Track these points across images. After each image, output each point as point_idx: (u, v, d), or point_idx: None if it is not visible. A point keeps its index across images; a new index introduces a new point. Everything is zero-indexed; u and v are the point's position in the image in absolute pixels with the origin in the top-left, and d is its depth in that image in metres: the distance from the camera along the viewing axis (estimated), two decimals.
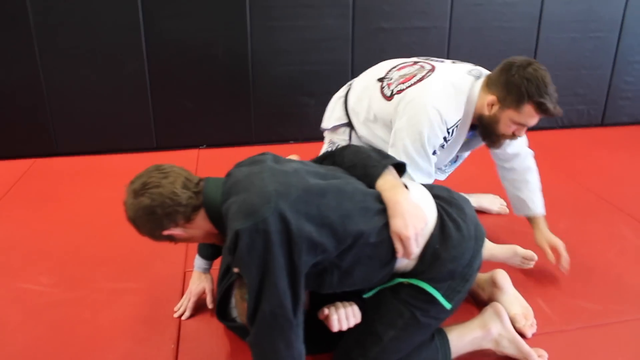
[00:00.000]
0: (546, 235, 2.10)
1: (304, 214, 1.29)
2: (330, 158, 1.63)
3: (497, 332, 1.65)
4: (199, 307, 1.89)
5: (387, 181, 1.47)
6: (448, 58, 3.55)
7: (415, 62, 2.07)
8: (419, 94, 1.90)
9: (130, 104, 3.32)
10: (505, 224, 2.51)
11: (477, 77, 1.93)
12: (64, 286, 2.05)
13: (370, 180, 1.48)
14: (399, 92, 1.94)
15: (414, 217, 1.40)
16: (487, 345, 1.66)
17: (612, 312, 1.88)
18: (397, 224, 1.39)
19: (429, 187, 1.60)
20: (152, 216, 1.37)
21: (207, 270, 1.89)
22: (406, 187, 1.51)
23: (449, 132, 1.89)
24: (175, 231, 1.40)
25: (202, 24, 3.20)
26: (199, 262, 1.89)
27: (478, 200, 2.60)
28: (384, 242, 1.40)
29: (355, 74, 3.46)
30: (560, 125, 3.97)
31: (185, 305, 1.89)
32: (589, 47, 3.80)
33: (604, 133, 3.94)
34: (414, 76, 1.97)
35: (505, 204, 2.63)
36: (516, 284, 1.93)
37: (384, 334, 1.48)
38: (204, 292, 1.88)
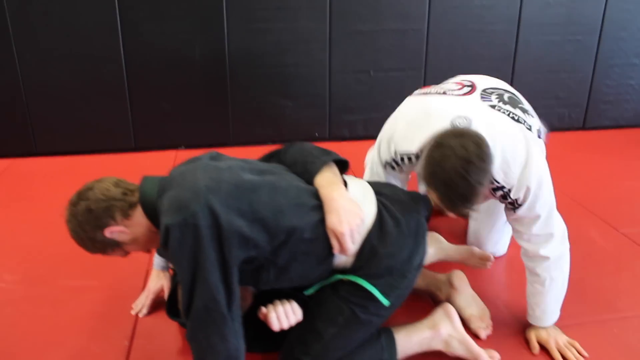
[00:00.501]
0: (536, 331, 1.78)
1: (235, 209, 1.30)
2: (276, 156, 1.65)
3: (446, 332, 1.64)
4: (157, 304, 1.89)
5: (325, 177, 1.48)
6: (426, 61, 3.61)
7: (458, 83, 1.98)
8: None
9: (109, 105, 3.34)
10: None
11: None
12: (26, 283, 2.06)
13: (308, 176, 1.49)
14: None
15: (349, 213, 1.40)
16: (437, 346, 1.65)
17: (570, 314, 1.87)
18: (332, 220, 1.39)
19: (374, 184, 1.61)
20: (90, 215, 1.38)
21: (165, 269, 1.89)
22: (346, 183, 1.52)
23: (397, 157, 1.78)
24: (116, 229, 1.39)
25: (180, 26, 3.22)
26: (157, 260, 1.90)
27: None
28: (320, 238, 1.40)
29: (332, 75, 3.49)
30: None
31: (142, 302, 1.90)
32: (569, 50, 3.80)
33: (585, 136, 3.94)
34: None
35: None
36: (475, 285, 1.93)
37: (325, 331, 1.49)
38: (162, 290, 1.89)
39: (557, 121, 3.98)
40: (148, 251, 1.55)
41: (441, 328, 1.64)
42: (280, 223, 1.35)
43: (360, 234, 1.44)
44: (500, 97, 1.77)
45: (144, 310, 1.88)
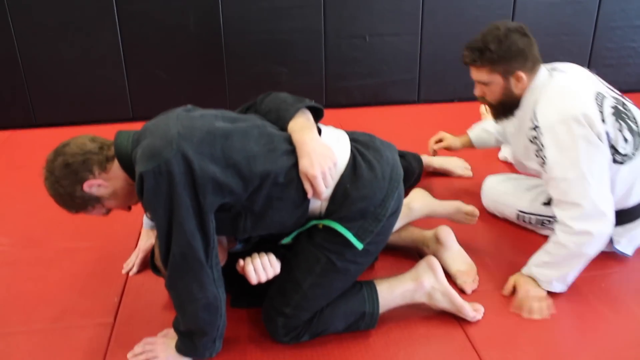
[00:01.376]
0: (518, 276, 1.82)
1: (208, 155, 1.31)
2: (252, 107, 1.65)
3: (429, 285, 1.66)
4: (147, 263, 1.92)
5: (297, 123, 1.48)
6: (422, 25, 3.56)
7: None
8: None
9: (106, 75, 3.35)
10: (468, 186, 2.50)
11: None
12: (21, 245, 2.11)
13: (282, 123, 1.50)
14: None
15: (321, 156, 1.41)
16: (420, 298, 1.67)
17: None
18: (304, 163, 1.40)
19: (350, 132, 1.62)
20: (68, 169, 1.39)
21: (154, 226, 1.92)
22: (320, 130, 1.52)
23: None
24: (95, 182, 1.41)
25: None
26: (146, 219, 1.93)
27: (442, 162, 2.61)
28: (293, 182, 1.42)
29: (327, 41, 3.46)
30: None
31: (133, 261, 1.94)
32: (568, 13, 3.74)
33: None
34: None
35: (469, 167, 2.63)
36: (462, 241, 1.95)
37: (303, 281, 1.50)
38: (152, 248, 1.92)
39: None
40: (129, 208, 1.57)
41: (424, 280, 1.66)
42: (254, 168, 1.36)
43: (332, 177, 1.45)
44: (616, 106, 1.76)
45: (134, 269, 1.92)
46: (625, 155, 1.72)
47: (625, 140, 1.71)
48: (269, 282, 1.51)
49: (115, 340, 1.63)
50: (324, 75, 3.56)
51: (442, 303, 1.67)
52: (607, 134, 1.67)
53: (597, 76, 1.90)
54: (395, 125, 3.25)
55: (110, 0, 3.14)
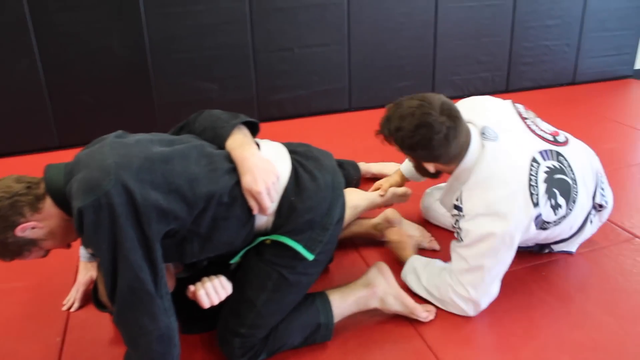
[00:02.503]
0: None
1: (149, 183, 1.27)
2: (186, 127, 1.62)
3: (381, 289, 1.67)
4: (88, 297, 1.83)
5: (236, 140, 1.46)
6: (349, 35, 3.62)
7: None
8: None
9: (27, 102, 3.19)
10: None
11: None
12: None
13: (219, 141, 1.47)
14: None
15: (263, 171, 1.40)
16: (373, 304, 1.68)
17: None
18: (247, 180, 1.39)
19: (287, 144, 1.61)
20: None
21: (92, 259, 1.84)
22: (258, 145, 1.51)
23: None
24: (28, 225, 1.33)
25: (93, 15, 3.10)
26: (83, 251, 1.85)
27: (380, 168, 2.64)
28: (238, 200, 1.40)
29: (256, 55, 3.46)
30: (467, 94, 4.05)
31: (74, 296, 1.85)
32: (487, 15, 3.90)
33: (509, 99, 4.05)
34: None
35: None
36: None
37: (256, 299, 1.48)
38: (91, 281, 1.84)
39: (481, 85, 4.08)
40: (68, 246, 1.49)
41: (376, 286, 1.67)
42: (197, 191, 1.33)
43: (277, 191, 1.44)
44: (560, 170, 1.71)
45: (76, 305, 1.83)
46: (559, 219, 1.71)
47: (558, 206, 1.68)
48: (220, 304, 1.48)
49: None
50: (254, 90, 3.55)
51: (395, 306, 1.69)
52: (540, 215, 1.64)
53: (527, 112, 1.82)
54: (330, 134, 3.28)
55: (25, 24, 3.01)
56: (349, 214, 1.73)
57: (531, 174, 1.63)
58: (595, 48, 4.34)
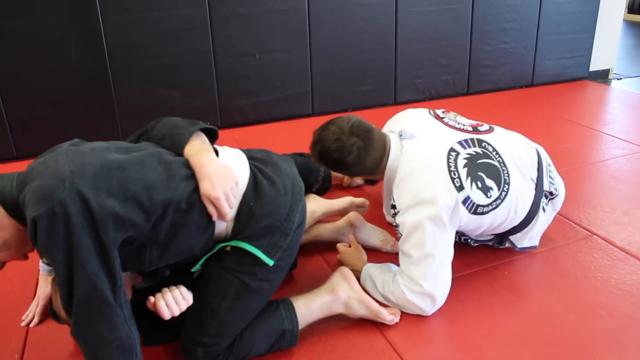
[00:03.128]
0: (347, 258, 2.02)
1: (105, 190, 1.24)
2: (144, 135, 1.60)
3: (345, 294, 1.68)
4: (49, 311, 1.79)
5: (194, 146, 1.45)
6: (310, 40, 3.63)
7: None
8: None
9: None
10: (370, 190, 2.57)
11: None
12: None
13: (177, 148, 1.46)
14: None
15: (221, 177, 1.39)
16: (338, 309, 1.68)
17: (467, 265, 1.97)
18: (205, 186, 1.38)
19: (246, 151, 1.61)
20: None
21: (52, 272, 1.79)
22: (216, 151, 1.50)
23: None
24: None
25: (49, 22, 3.03)
26: (43, 265, 1.80)
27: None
28: (196, 206, 1.38)
29: (217, 62, 3.43)
30: (428, 97, 4.12)
31: (33, 311, 1.80)
32: (446, 19, 3.97)
33: (470, 101, 4.13)
34: None
35: None
36: None
37: (218, 307, 1.47)
38: None
39: (442, 88, 4.15)
40: (25, 257, 1.45)
41: (340, 291, 1.67)
42: (154, 198, 1.31)
43: (235, 197, 1.43)
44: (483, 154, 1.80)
45: (35, 319, 1.78)
46: (494, 201, 1.76)
47: (489, 189, 1.74)
48: (182, 314, 1.46)
49: None
50: (216, 96, 3.53)
51: (359, 311, 1.69)
52: (468, 198, 1.70)
53: (444, 114, 1.94)
54: (293, 140, 3.27)
55: None
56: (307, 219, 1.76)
57: (449, 162, 1.72)
58: (552, 50, 4.46)
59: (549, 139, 3.23)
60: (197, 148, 1.44)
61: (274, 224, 1.46)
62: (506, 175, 1.80)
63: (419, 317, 1.74)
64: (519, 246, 2.00)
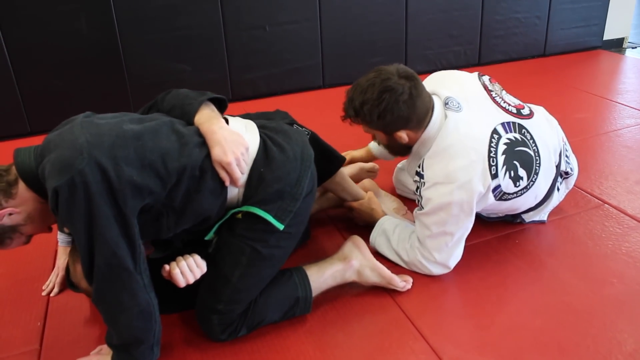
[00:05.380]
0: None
1: (122, 159, 1.27)
2: (155, 106, 1.62)
3: (357, 262, 1.70)
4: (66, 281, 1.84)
5: (203, 115, 1.47)
6: (320, 11, 3.59)
7: None
8: None
9: None
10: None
11: None
12: None
13: (188, 117, 1.48)
14: None
15: (232, 143, 1.42)
16: (350, 277, 1.71)
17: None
18: (216, 152, 1.40)
19: (257, 121, 1.63)
20: None
21: (70, 243, 1.84)
22: (227, 120, 1.53)
23: None
24: (4, 212, 1.32)
25: None
26: (61, 236, 1.84)
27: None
28: (209, 173, 1.41)
29: (228, 34, 3.42)
30: (439, 68, 4.06)
31: (53, 281, 1.84)
32: None
33: (482, 71, 4.07)
34: None
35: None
36: None
37: (232, 275, 1.50)
38: None
39: (454, 59, 4.11)
40: (49, 229, 1.49)
41: (352, 259, 1.70)
42: (169, 165, 1.34)
43: (246, 162, 1.46)
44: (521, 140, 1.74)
45: (55, 289, 1.83)
46: (521, 190, 1.75)
47: (519, 178, 1.71)
48: (196, 283, 1.49)
49: None
50: (227, 69, 3.53)
51: (372, 278, 1.72)
52: (499, 186, 1.68)
53: (492, 84, 1.84)
54: (304, 112, 3.26)
55: None
56: None
57: (491, 146, 1.66)
58: (565, 19, 4.40)
59: (561, 109, 3.21)
60: (207, 116, 1.47)
61: (283, 189, 1.48)
62: (537, 165, 1.76)
63: (431, 285, 1.77)
64: (527, 220, 2.02)
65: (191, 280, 1.43)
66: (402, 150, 1.80)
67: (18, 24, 3.03)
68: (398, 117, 1.62)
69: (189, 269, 1.42)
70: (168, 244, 1.67)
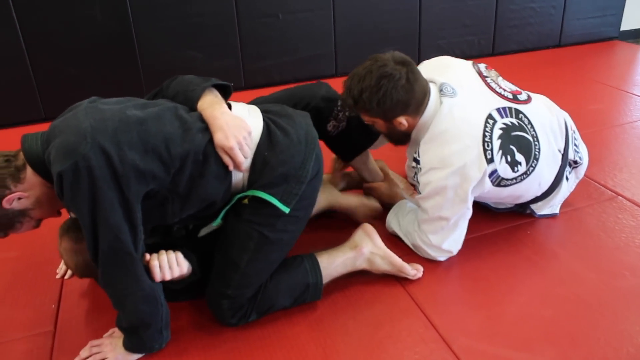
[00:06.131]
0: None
1: (126, 143, 1.28)
2: (159, 93, 1.63)
3: (368, 250, 1.71)
4: None
5: (206, 100, 1.48)
6: (334, 2, 3.58)
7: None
8: None
9: (10, 75, 3.15)
10: None
11: None
12: None
13: (191, 103, 1.49)
14: None
15: (234, 127, 1.43)
16: (361, 264, 1.72)
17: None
18: (219, 137, 1.41)
19: (260, 105, 1.64)
20: None
21: None
22: (230, 106, 1.53)
23: None
24: (13, 196, 1.34)
25: None
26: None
27: None
28: (212, 158, 1.42)
29: (241, 22, 3.42)
30: None
31: None
32: None
33: (496, 62, 4.04)
34: None
35: None
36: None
37: (240, 260, 1.51)
38: None
39: (468, 49, 4.08)
40: (58, 213, 1.51)
41: (363, 247, 1.71)
42: (172, 150, 1.35)
43: (249, 146, 1.46)
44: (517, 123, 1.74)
45: (69, 272, 1.84)
46: (520, 176, 1.74)
47: (517, 163, 1.71)
48: (209, 270, 1.50)
49: (58, 348, 1.56)
50: (240, 57, 3.53)
51: (382, 266, 1.73)
52: (495, 171, 1.67)
53: (488, 71, 1.85)
54: None
55: None
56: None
57: (486, 130, 1.66)
58: (581, 9, 4.34)
59: (576, 100, 3.18)
60: (210, 102, 1.48)
61: (288, 172, 1.49)
62: (537, 150, 1.75)
63: (442, 273, 1.77)
64: (538, 213, 2.00)
65: (167, 277, 1.42)
66: (402, 137, 1.80)
67: (33, 11, 3.04)
68: (397, 102, 1.62)
69: (167, 265, 1.42)
70: (168, 230, 1.69)
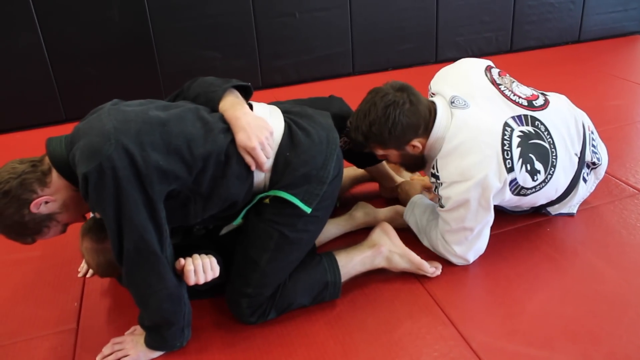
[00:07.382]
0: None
1: (149, 145, 1.30)
2: (180, 95, 1.65)
3: (387, 249, 1.71)
4: None
5: (227, 101, 1.50)
6: (350, 0, 3.59)
7: None
8: None
9: (32, 77, 3.21)
10: None
11: None
12: None
13: (212, 104, 1.51)
14: None
15: (256, 128, 1.44)
16: (380, 263, 1.72)
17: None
18: (241, 137, 1.42)
19: (281, 106, 1.64)
20: (7, 197, 1.34)
21: None
22: (251, 106, 1.54)
23: None
24: (41, 200, 1.37)
25: None
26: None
27: None
28: (234, 158, 1.43)
29: (258, 22, 3.44)
30: (470, 55, 4.03)
31: None
32: None
33: (513, 58, 4.02)
34: None
35: None
36: None
37: (260, 259, 1.52)
38: None
39: (485, 46, 4.05)
40: (84, 218, 1.54)
41: (381, 246, 1.71)
42: (195, 151, 1.36)
43: (271, 146, 1.47)
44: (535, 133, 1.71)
45: (90, 271, 1.87)
46: (539, 184, 1.72)
47: (536, 172, 1.69)
48: (228, 269, 1.51)
49: (81, 345, 1.59)
50: (257, 56, 3.55)
51: (401, 264, 1.73)
52: (515, 180, 1.66)
53: (501, 78, 1.80)
54: None
55: None
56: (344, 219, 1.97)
57: (504, 139, 1.64)
58: (602, 4, 4.28)
59: (596, 96, 3.14)
60: (231, 102, 1.49)
61: (310, 173, 1.50)
62: (554, 157, 1.73)
63: (461, 272, 1.77)
64: (553, 213, 1.99)
65: (201, 281, 1.42)
66: (418, 162, 1.79)
67: (53, 13, 3.09)
68: (408, 126, 1.64)
69: (202, 270, 1.42)
70: (189, 230, 1.71)
